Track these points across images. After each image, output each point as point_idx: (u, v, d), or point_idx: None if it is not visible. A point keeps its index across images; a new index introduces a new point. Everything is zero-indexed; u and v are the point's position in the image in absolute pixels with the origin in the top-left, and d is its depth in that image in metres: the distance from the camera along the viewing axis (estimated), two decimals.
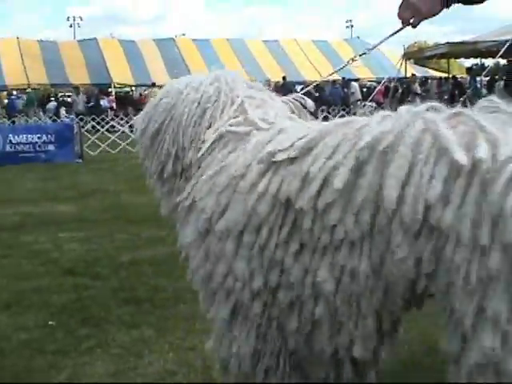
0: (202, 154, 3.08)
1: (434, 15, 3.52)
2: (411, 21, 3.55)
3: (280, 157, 2.67)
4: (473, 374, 2.29)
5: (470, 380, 2.31)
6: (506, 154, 2.18)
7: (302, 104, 3.39)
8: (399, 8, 3.56)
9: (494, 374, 2.24)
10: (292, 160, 2.65)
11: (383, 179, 2.38)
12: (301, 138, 2.69)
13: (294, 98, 3.39)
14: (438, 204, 2.26)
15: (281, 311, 2.79)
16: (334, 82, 34.98)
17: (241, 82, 3.33)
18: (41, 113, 36.58)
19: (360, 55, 4.06)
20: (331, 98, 32.58)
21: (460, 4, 3.52)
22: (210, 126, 3.13)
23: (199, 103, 3.17)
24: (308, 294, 2.67)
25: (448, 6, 3.47)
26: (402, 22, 3.59)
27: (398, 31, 3.72)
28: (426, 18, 3.53)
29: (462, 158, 2.23)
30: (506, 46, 23.12)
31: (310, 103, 3.43)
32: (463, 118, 2.39)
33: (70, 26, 77.14)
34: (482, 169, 2.20)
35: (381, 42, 4.03)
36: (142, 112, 3.43)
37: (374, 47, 4.10)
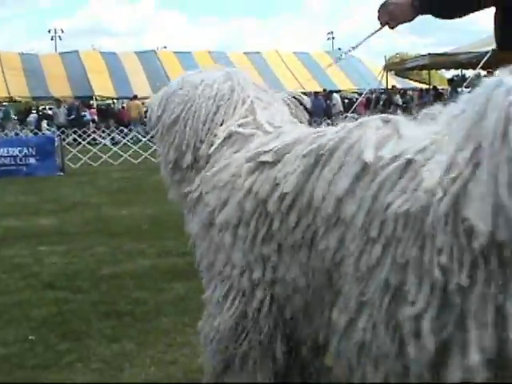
0: (215, 149, 3.26)
1: (409, 21, 3.84)
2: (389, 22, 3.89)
3: (263, 158, 2.89)
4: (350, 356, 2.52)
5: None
6: (394, 153, 2.39)
7: (299, 102, 3.61)
8: (378, 12, 3.89)
9: (356, 354, 2.46)
10: (271, 164, 2.86)
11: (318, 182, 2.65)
12: (282, 144, 2.90)
13: (292, 96, 3.61)
14: (346, 198, 2.48)
15: (280, 302, 2.98)
16: (317, 93, 35.09)
17: (251, 83, 3.54)
18: (18, 126, 36.33)
19: (345, 53, 4.53)
20: (313, 110, 32.64)
21: (431, 15, 3.81)
22: (222, 122, 3.34)
23: (214, 100, 3.36)
24: (291, 289, 2.86)
25: (422, 14, 3.77)
26: (381, 24, 3.92)
27: (377, 31, 4.05)
28: (402, 23, 3.85)
29: (367, 156, 2.45)
30: (486, 58, 23.32)
31: (306, 99, 3.67)
32: (393, 124, 2.59)
33: (52, 39, 77.16)
34: (379, 166, 2.41)
35: (364, 40, 4.30)
36: (155, 98, 3.62)
37: (358, 45, 4.37)
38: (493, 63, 25.96)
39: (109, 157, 21.80)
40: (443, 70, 40.53)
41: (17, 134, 31.01)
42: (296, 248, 2.74)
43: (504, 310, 2.13)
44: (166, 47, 66.90)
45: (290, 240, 2.75)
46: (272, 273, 2.89)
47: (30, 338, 4.93)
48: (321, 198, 2.58)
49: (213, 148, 3.27)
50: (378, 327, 2.36)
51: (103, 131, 31.03)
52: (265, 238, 2.86)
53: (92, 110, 42.28)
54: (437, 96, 33.62)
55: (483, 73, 33.11)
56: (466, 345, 2.17)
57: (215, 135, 3.30)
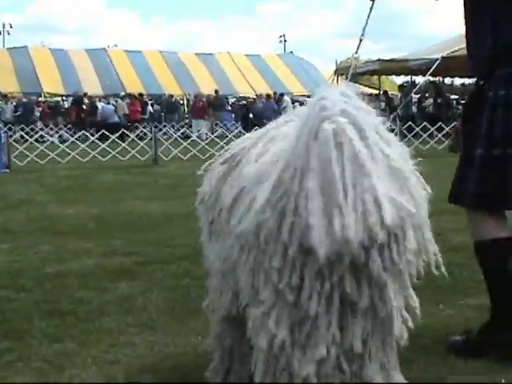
0: None
1: None
2: None
3: None
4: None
5: None
6: (253, 174, 2.72)
7: None
8: None
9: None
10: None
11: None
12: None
13: None
14: (233, 211, 2.81)
15: None
16: (268, 96, 35.13)
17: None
18: None
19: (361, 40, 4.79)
20: (264, 112, 32.66)
21: None
22: None
23: None
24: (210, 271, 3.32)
25: None
26: None
27: (372, 4, 4.47)
28: None
29: (245, 172, 2.81)
30: (435, 65, 23.61)
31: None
32: (269, 139, 2.94)
33: (0, 34, 76.00)
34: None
35: (368, 19, 4.63)
36: None
37: (364, 28, 4.71)
38: (442, 70, 26.38)
39: (56, 155, 21.56)
40: (394, 76, 40.78)
41: None
42: (215, 237, 3.13)
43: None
44: (116, 45, 66.59)
45: (216, 230, 3.11)
46: None
47: None
48: (224, 202, 2.95)
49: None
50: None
51: (51, 129, 30.71)
52: (211, 232, 3.20)
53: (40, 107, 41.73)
54: (387, 101, 33.99)
55: (432, 79, 33.64)
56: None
57: None
